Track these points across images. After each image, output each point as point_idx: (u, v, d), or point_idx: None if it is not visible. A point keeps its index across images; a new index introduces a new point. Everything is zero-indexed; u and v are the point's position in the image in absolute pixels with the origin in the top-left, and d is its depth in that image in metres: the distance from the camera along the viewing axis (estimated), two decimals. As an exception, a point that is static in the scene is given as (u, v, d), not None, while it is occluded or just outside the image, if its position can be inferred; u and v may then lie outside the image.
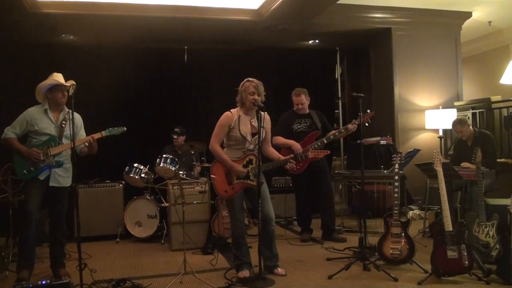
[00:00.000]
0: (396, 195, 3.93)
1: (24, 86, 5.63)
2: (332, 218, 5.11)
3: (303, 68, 7.32)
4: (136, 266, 4.28)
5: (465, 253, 3.47)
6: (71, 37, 6.32)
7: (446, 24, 6.87)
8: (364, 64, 7.78)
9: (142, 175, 5.15)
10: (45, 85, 3.74)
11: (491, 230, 3.74)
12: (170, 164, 5.15)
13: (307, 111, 5.03)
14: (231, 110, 3.80)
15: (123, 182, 5.47)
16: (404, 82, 6.79)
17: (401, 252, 3.81)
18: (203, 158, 5.76)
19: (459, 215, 4.82)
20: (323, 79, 7.47)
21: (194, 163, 5.39)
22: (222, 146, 3.82)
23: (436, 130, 6.60)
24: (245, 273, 3.69)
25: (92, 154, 3.83)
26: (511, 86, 6.26)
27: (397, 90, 6.78)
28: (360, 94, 4.26)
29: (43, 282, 3.28)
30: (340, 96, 7.78)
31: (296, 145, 4.74)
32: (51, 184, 3.71)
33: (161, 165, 5.15)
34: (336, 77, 7.79)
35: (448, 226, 3.54)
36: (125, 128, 3.92)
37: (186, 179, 4.87)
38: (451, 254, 3.47)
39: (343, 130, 4.82)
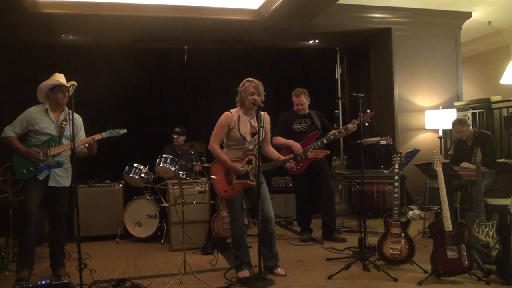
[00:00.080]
0: (396, 195, 3.93)
1: (24, 86, 5.63)
2: (333, 217, 5.12)
3: (303, 68, 7.32)
4: (136, 266, 4.28)
5: (465, 253, 3.47)
6: (71, 37, 6.32)
7: (446, 24, 6.88)
8: (364, 64, 7.78)
9: (142, 175, 5.16)
10: (47, 85, 3.75)
11: (491, 230, 3.74)
12: (170, 164, 5.15)
13: (307, 111, 5.03)
14: (231, 110, 3.80)
15: (123, 182, 5.48)
16: (404, 82, 6.79)
17: (401, 252, 3.81)
18: (203, 158, 5.77)
19: (459, 215, 4.82)
20: (323, 79, 7.47)
21: (194, 163, 5.39)
22: (221, 146, 3.82)
23: (436, 130, 6.60)
24: (245, 273, 3.69)
25: (91, 155, 3.84)
26: (511, 86, 6.26)
27: (397, 90, 6.78)
28: (360, 94, 4.26)
29: (43, 282, 3.28)
30: (340, 96, 7.78)
31: (296, 145, 4.74)
32: (51, 184, 3.71)
33: (161, 165, 5.15)
34: (336, 77, 7.79)
35: (448, 226, 3.54)
36: (125, 130, 3.93)
37: (186, 179, 4.87)
38: (451, 254, 3.47)
39: (343, 130, 4.82)
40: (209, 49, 7.01)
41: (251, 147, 3.77)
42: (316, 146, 4.75)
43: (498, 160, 5.11)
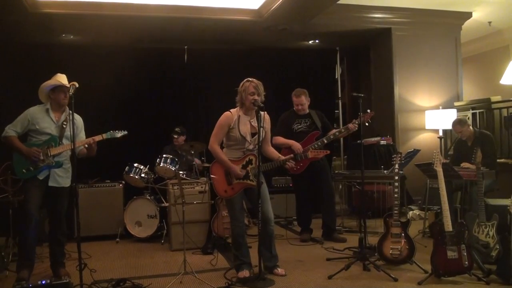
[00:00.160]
0: (396, 195, 3.93)
1: (24, 86, 5.64)
2: (333, 217, 5.12)
3: (303, 68, 7.32)
4: (136, 266, 4.28)
5: (465, 253, 3.47)
6: (72, 37, 6.32)
7: (446, 24, 6.88)
8: (364, 64, 7.78)
9: (142, 175, 5.16)
10: (48, 85, 3.76)
11: (491, 230, 3.74)
12: (170, 164, 5.15)
13: (307, 111, 5.03)
14: (231, 110, 3.80)
15: (123, 182, 5.48)
16: (404, 82, 6.79)
17: (401, 252, 3.81)
18: (203, 158, 5.77)
19: (459, 215, 4.82)
20: (323, 79, 7.47)
21: (194, 163, 5.39)
22: (221, 146, 3.82)
23: (436, 130, 6.60)
24: (245, 273, 3.68)
25: (91, 156, 3.84)
26: (511, 86, 6.26)
27: (397, 90, 6.78)
28: (360, 94, 4.26)
29: (43, 282, 3.28)
30: (340, 96, 7.78)
31: (296, 145, 4.74)
32: (50, 184, 3.71)
33: (161, 165, 5.16)
34: (336, 77, 7.79)
35: (448, 226, 3.54)
36: (126, 132, 3.94)
37: (186, 179, 4.87)
38: (451, 254, 3.47)
39: (343, 130, 4.82)
40: (209, 49, 7.01)
41: (251, 147, 3.77)
42: (316, 146, 4.75)
43: (498, 160, 5.11)
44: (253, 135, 3.75)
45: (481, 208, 3.84)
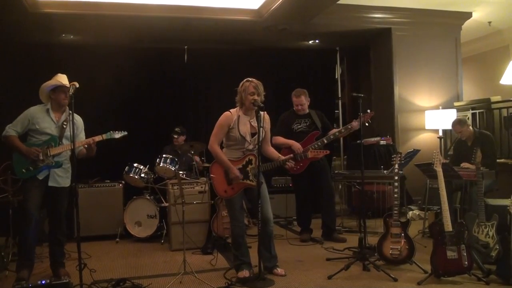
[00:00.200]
0: (396, 195, 3.93)
1: (24, 86, 5.66)
2: (333, 217, 5.12)
3: (303, 68, 7.32)
4: (136, 266, 4.28)
5: (465, 254, 3.47)
6: (71, 37, 6.32)
7: (446, 25, 6.88)
8: (364, 64, 7.78)
9: (142, 175, 5.16)
10: (49, 85, 3.76)
11: (490, 231, 3.74)
12: (170, 164, 5.15)
13: (307, 111, 5.03)
14: (231, 110, 3.80)
15: (123, 182, 5.48)
16: (404, 82, 6.79)
17: (401, 252, 3.81)
18: (203, 158, 5.76)
19: (459, 215, 4.82)
20: (323, 79, 7.47)
21: (194, 163, 5.39)
22: (221, 146, 3.82)
23: (436, 131, 6.60)
24: (244, 273, 3.68)
25: (90, 157, 3.84)
26: (511, 86, 6.26)
27: (397, 90, 6.78)
28: (360, 94, 4.26)
29: (43, 282, 3.28)
30: (340, 96, 7.78)
31: (296, 145, 4.74)
32: (50, 184, 3.72)
33: (161, 165, 5.16)
34: (336, 77, 7.79)
35: (448, 226, 3.54)
36: (126, 132, 3.94)
37: (186, 179, 4.88)
38: (451, 254, 3.47)
39: (343, 130, 4.81)
40: (209, 49, 7.02)
41: (250, 147, 3.77)
42: (316, 146, 4.75)
43: (498, 160, 5.11)
44: (252, 135, 3.75)
45: (481, 208, 3.84)
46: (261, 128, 3.63)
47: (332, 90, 7.66)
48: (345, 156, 7.42)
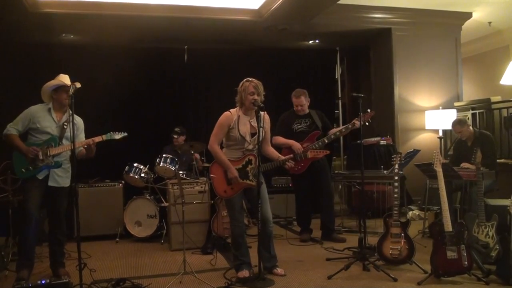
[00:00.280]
0: (395, 195, 3.93)
1: (24, 86, 5.66)
2: (332, 218, 5.12)
3: (303, 68, 7.32)
4: (136, 266, 4.28)
5: (465, 254, 3.47)
6: (72, 36, 6.32)
7: (446, 25, 6.87)
8: (364, 64, 7.78)
9: (142, 175, 5.16)
10: (51, 85, 3.77)
11: (490, 231, 3.74)
12: (170, 164, 5.15)
13: (307, 111, 5.03)
14: (231, 110, 3.80)
15: (123, 181, 5.48)
16: (404, 82, 6.79)
17: (401, 253, 3.81)
18: (202, 158, 5.76)
19: (459, 215, 4.82)
20: (323, 79, 7.47)
21: (194, 163, 5.39)
22: (221, 146, 3.82)
23: (436, 131, 6.60)
24: (244, 273, 3.68)
25: (89, 158, 3.85)
26: (511, 86, 6.26)
27: (397, 90, 6.78)
28: (360, 94, 4.26)
29: (43, 282, 3.28)
30: (340, 96, 7.79)
31: (297, 145, 4.74)
32: (50, 184, 3.72)
33: (161, 165, 5.16)
34: (336, 77, 7.79)
35: (448, 226, 3.54)
36: (126, 133, 3.94)
37: (186, 179, 4.88)
38: (451, 254, 3.47)
39: (343, 130, 4.81)
40: (209, 49, 7.01)
41: (250, 147, 3.77)
42: (316, 146, 4.75)
43: (498, 160, 5.11)
44: (252, 135, 3.75)
45: (480, 208, 3.84)
46: (261, 128, 3.63)
47: (332, 90, 7.66)
48: (345, 156, 7.42)
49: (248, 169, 3.73)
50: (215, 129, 3.77)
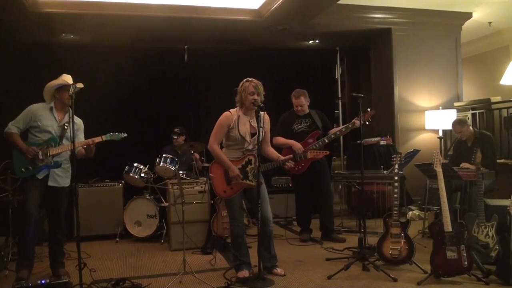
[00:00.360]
0: (395, 195, 3.93)
1: (24, 86, 5.66)
2: (331, 218, 5.12)
3: (303, 68, 7.32)
4: (136, 266, 4.28)
5: (465, 254, 3.47)
6: (72, 36, 6.32)
7: (446, 25, 6.87)
8: (364, 64, 7.78)
9: (142, 175, 5.16)
10: (54, 84, 3.77)
11: (490, 231, 3.74)
12: (170, 164, 5.15)
13: (307, 111, 5.03)
14: (231, 110, 3.80)
15: (123, 181, 5.48)
16: (404, 82, 6.79)
17: (401, 253, 3.81)
18: (202, 158, 5.76)
19: (459, 215, 4.82)
20: (323, 79, 7.47)
21: (193, 163, 5.39)
22: (221, 146, 3.82)
23: (436, 131, 6.60)
24: (244, 273, 3.69)
25: (88, 158, 3.85)
26: (511, 86, 6.26)
27: (397, 90, 6.78)
28: (360, 94, 4.26)
29: (43, 282, 3.28)
30: (340, 96, 7.79)
31: (297, 145, 4.74)
32: (50, 183, 3.72)
33: (161, 165, 5.16)
34: (336, 77, 7.79)
35: (448, 226, 3.54)
36: (125, 134, 3.94)
37: (186, 179, 4.88)
38: (451, 254, 3.48)
39: (344, 129, 4.81)
40: (209, 49, 7.01)
41: (250, 147, 3.77)
42: (316, 146, 4.75)
43: (498, 160, 5.10)
44: (252, 135, 3.75)
45: (480, 208, 3.84)
46: (261, 128, 3.63)
47: (332, 90, 7.66)
48: (345, 156, 7.42)
49: (248, 169, 3.73)
50: (214, 129, 3.77)
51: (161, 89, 6.75)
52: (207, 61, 6.89)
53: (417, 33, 6.81)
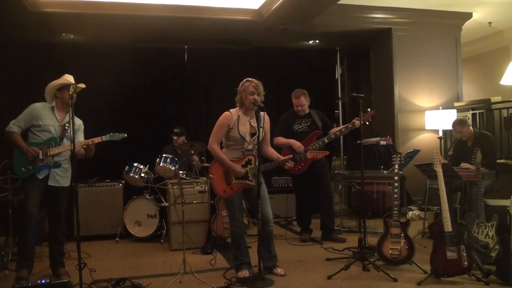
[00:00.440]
0: (395, 195, 3.93)
1: (25, 85, 5.65)
2: (331, 218, 5.11)
3: (303, 68, 7.31)
4: (136, 266, 4.28)
5: (465, 254, 3.47)
6: (72, 36, 6.32)
7: (447, 25, 6.88)
8: (364, 64, 7.78)
9: (142, 175, 5.15)
10: (56, 84, 3.77)
11: (490, 231, 3.74)
12: (170, 164, 5.15)
13: (307, 111, 5.03)
14: (231, 110, 3.80)
15: (123, 181, 5.48)
16: (404, 82, 6.79)
17: (401, 253, 3.81)
18: (202, 158, 5.76)
19: (459, 215, 4.82)
20: (323, 79, 7.47)
21: (194, 163, 5.39)
22: (221, 146, 3.82)
23: (436, 131, 6.60)
24: (244, 273, 3.69)
25: (88, 158, 3.85)
26: (511, 87, 6.26)
27: (397, 90, 6.78)
28: (360, 94, 4.26)
29: (43, 281, 3.28)
30: (340, 96, 7.78)
31: (297, 144, 4.74)
32: (50, 183, 3.72)
33: (161, 165, 5.15)
34: (336, 77, 7.79)
35: (448, 226, 3.54)
36: (125, 135, 3.94)
37: (186, 179, 4.87)
38: (451, 254, 3.47)
39: (344, 129, 4.81)
40: (209, 49, 7.01)
41: (250, 147, 3.77)
42: (316, 146, 4.75)
43: (498, 161, 5.11)
44: (252, 135, 3.75)
45: (480, 208, 3.84)
46: (261, 128, 3.63)
47: (332, 90, 7.65)
48: (345, 156, 7.42)
49: (247, 169, 3.73)
50: (214, 129, 3.77)
51: (161, 89, 6.75)
52: (207, 61, 6.89)
53: (417, 33, 6.81)
